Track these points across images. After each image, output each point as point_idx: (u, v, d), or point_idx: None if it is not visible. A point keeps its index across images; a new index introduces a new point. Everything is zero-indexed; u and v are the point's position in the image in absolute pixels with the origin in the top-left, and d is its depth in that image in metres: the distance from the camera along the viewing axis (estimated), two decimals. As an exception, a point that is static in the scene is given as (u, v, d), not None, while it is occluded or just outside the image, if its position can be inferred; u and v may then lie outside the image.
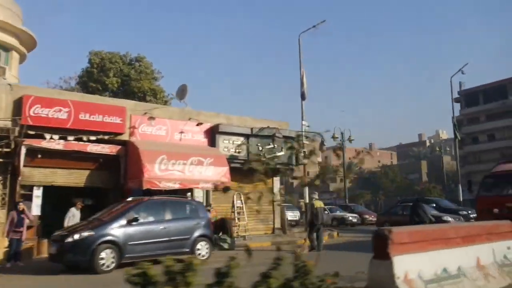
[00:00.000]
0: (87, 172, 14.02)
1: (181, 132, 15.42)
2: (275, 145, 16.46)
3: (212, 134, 16.00)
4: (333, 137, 34.87)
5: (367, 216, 29.73)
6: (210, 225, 11.49)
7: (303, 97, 21.16)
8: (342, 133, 35.85)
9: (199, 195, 16.15)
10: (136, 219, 9.48)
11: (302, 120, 20.76)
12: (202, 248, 10.72)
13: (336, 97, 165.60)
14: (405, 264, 4.43)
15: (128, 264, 8.44)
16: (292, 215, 32.48)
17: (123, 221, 9.47)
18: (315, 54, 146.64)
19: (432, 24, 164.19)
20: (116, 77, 32.33)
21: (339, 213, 29.52)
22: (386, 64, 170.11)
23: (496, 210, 9.79)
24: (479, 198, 11.15)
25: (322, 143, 18.49)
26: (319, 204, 12.88)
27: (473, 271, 5.23)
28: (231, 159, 16.13)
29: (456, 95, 62.10)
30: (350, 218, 28.19)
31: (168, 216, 10.45)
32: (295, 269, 3.59)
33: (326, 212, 30.88)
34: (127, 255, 9.11)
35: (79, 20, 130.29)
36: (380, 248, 4.42)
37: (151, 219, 10.08)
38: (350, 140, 35.97)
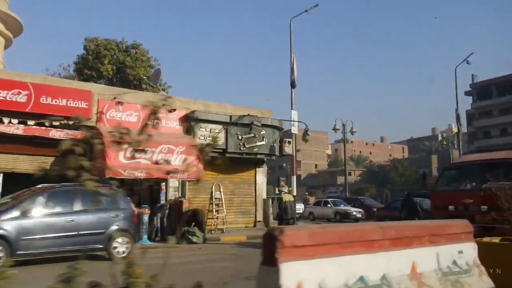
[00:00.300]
0: (51, 159, 13.36)
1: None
2: (255, 134, 15.61)
3: (188, 122, 15.20)
4: (334, 129, 34.04)
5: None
6: (133, 217, 10.28)
7: (293, 84, 20.21)
8: (343, 125, 34.87)
9: (174, 185, 15.45)
10: (32, 210, 8.43)
11: (292, 109, 19.83)
12: (120, 244, 9.56)
13: (345, 89, 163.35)
14: (300, 273, 3.55)
15: (22, 263, 7.60)
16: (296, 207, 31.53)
17: (16, 213, 8.33)
18: (315, 42, 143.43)
19: (445, 13, 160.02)
20: (111, 64, 31.75)
21: (343, 207, 28.07)
22: (397, 56, 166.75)
23: (451, 208, 8.67)
24: (433, 194, 9.96)
25: (305, 133, 17.55)
26: (288, 197, 12.06)
27: (404, 280, 4.33)
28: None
29: (468, 88, 60.36)
30: (354, 213, 26.70)
31: (78, 206, 9.17)
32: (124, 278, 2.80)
33: (329, 205, 29.75)
34: (20, 252, 8.02)
35: (78, 7, 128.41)
36: (269, 251, 3.55)
37: (56, 210, 8.97)
38: (352, 132, 34.99)
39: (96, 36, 32.93)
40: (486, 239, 6.54)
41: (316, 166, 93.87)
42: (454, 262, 5.06)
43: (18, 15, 22.97)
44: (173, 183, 15.27)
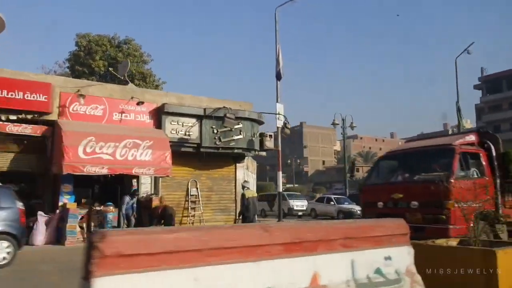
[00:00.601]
0: (11, 155, 12.77)
1: (122, 112, 13.92)
2: (231, 128, 14.77)
3: (158, 115, 14.44)
4: (333, 124, 33.04)
5: None
6: (18, 218, 8.63)
7: (278, 76, 19.30)
8: (343, 120, 33.83)
9: (146, 182, 14.73)
10: None
11: (277, 101, 18.94)
12: (0, 249, 8.19)
13: (351, 86, 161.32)
14: (126, 290, 2.72)
15: None
16: (299, 204, 30.24)
17: None
18: (320, 38, 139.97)
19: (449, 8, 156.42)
20: (103, 60, 31.21)
21: (346, 205, 26.62)
22: (402, 53, 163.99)
23: (380, 204, 7.59)
24: (364, 188, 8.75)
25: (285, 126, 16.67)
26: (251, 194, 11.24)
27: (298, 295, 3.47)
28: (180, 142, 14.58)
29: (477, 82, 58.55)
30: (359, 212, 25.26)
31: None
32: None
33: (332, 203, 28.20)
34: None
35: (77, 6, 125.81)
36: (87, 262, 2.73)
37: None
38: (352, 127, 33.90)
39: (88, 32, 32.48)
40: (440, 241, 5.65)
41: (323, 162, 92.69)
42: (378, 271, 4.16)
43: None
44: (145, 179, 14.56)
